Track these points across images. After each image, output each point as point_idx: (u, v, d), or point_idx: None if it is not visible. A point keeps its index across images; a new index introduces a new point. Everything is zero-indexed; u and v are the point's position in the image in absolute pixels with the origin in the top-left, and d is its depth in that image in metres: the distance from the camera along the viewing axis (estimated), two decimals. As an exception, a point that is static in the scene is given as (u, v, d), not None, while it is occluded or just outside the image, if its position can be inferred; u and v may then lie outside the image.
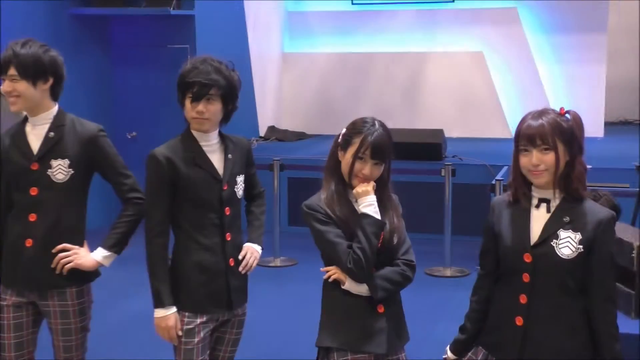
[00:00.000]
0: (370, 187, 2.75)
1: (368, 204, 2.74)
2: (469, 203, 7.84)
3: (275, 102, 11.38)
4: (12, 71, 3.08)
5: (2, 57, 3.10)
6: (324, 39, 11.48)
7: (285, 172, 7.77)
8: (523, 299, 2.60)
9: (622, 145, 9.50)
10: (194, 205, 3.01)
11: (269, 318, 5.75)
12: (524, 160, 2.60)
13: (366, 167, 2.75)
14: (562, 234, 2.57)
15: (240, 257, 3.13)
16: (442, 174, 7.08)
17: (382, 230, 2.74)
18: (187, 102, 2.99)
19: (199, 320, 3.02)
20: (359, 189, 2.75)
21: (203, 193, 3.01)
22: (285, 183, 8.41)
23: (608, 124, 11.41)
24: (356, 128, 2.78)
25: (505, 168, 7.54)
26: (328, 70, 11.43)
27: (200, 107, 2.97)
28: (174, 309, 2.98)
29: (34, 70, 3.08)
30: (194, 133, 3.05)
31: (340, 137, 2.81)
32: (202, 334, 3.03)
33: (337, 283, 2.78)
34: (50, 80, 3.14)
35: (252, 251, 3.18)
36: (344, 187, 2.79)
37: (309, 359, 5.02)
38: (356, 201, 2.78)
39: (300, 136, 10.95)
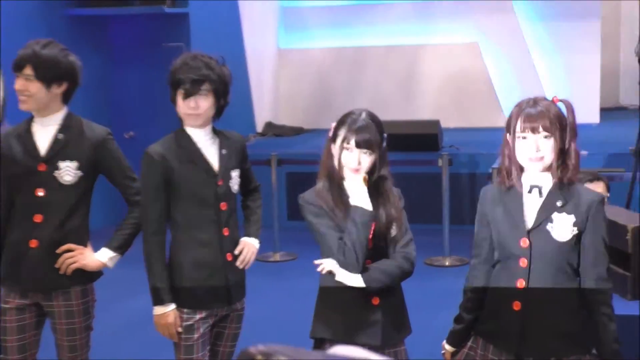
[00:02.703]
0: (360, 178, 2.77)
1: (358, 196, 2.75)
2: (467, 192, 7.88)
3: (272, 98, 11.38)
4: (29, 70, 3.07)
5: (20, 54, 3.09)
6: (319, 34, 11.48)
7: (284, 167, 7.79)
8: (521, 283, 2.62)
9: (617, 130, 9.52)
10: (190, 202, 3.03)
11: (269, 313, 5.77)
12: (522, 147, 2.62)
13: (353, 157, 2.76)
14: (556, 217, 2.59)
15: (237, 252, 3.14)
16: (439, 164, 7.10)
17: (373, 221, 2.75)
18: (179, 99, 3.01)
19: (198, 316, 3.04)
20: (349, 180, 2.78)
21: (198, 189, 3.03)
22: (284, 178, 8.43)
23: (604, 110, 11.44)
24: (342, 120, 2.81)
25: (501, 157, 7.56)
26: (324, 64, 11.44)
27: (193, 102, 2.99)
28: (173, 306, 3.00)
29: (51, 73, 3.08)
30: (188, 130, 3.07)
31: (331, 130, 2.84)
32: (201, 330, 3.05)
33: (330, 274, 2.80)
34: (65, 85, 3.14)
35: (249, 246, 3.20)
36: (337, 180, 2.81)
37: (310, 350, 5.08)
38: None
39: (298, 131, 10.96)
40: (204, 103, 3.01)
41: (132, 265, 5.34)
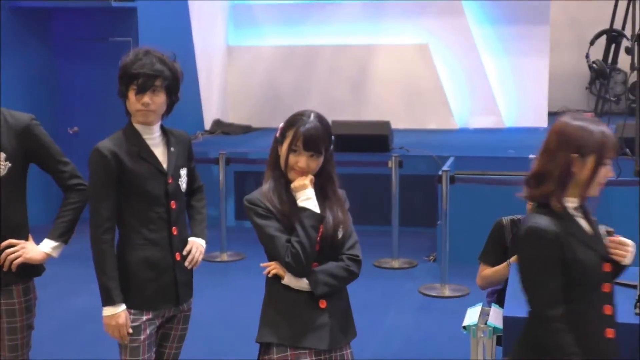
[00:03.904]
0: (307, 180, 2.74)
1: (306, 198, 2.73)
2: (416, 194, 7.93)
3: (220, 96, 11.32)
4: None
5: None
6: (269, 32, 11.45)
7: (232, 166, 7.74)
8: (608, 309, 2.57)
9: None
10: (140, 200, 2.98)
11: (217, 314, 5.73)
12: (604, 174, 2.56)
13: (301, 160, 2.73)
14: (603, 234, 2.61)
15: (185, 252, 3.11)
16: (389, 165, 7.12)
17: (321, 224, 2.74)
18: (132, 95, 2.96)
19: (144, 317, 3.00)
20: (296, 182, 2.75)
21: (149, 187, 2.99)
22: (232, 177, 8.39)
23: (552, 114, 11.63)
24: (290, 121, 2.76)
25: (451, 159, 7.63)
26: (274, 63, 11.41)
27: (146, 98, 2.94)
28: (123, 307, 2.95)
29: None
30: (137, 126, 3.02)
31: (278, 131, 2.80)
32: (148, 331, 3.01)
33: (277, 278, 2.77)
34: None
35: (197, 245, 3.17)
36: (285, 181, 2.78)
37: (256, 351, 5.05)
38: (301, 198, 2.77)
39: (247, 129, 10.92)
40: (157, 99, 2.97)
41: (73, 263, 5.27)
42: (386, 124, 8.46)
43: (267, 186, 2.77)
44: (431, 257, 7.18)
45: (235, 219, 8.35)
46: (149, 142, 3.02)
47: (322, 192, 2.80)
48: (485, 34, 11.00)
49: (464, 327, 3.69)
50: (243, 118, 11.32)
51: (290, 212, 2.73)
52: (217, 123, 10.86)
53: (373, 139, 8.26)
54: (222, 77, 11.39)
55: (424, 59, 10.93)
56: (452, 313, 5.48)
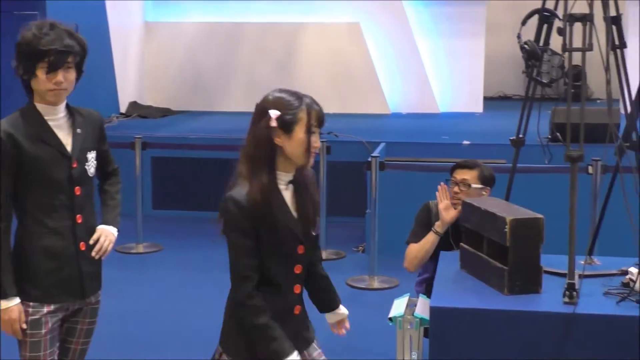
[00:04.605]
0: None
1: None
2: (345, 182, 8.00)
3: (137, 76, 11.20)
4: None
5: None
6: (190, 7, 11.37)
7: (149, 151, 7.69)
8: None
9: (500, 120, 9.89)
10: (40, 186, 2.94)
11: (132, 307, 5.71)
12: None
13: (317, 139, 2.69)
14: None
15: (92, 241, 3.09)
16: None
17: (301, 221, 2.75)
18: (41, 73, 2.90)
19: (45, 310, 2.97)
20: (288, 177, 2.73)
21: (50, 172, 2.94)
22: (149, 163, 8.33)
23: (488, 99, 11.88)
24: (291, 104, 2.69)
25: (382, 145, 7.72)
26: (195, 41, 11.34)
27: (60, 77, 2.90)
28: (17, 300, 2.92)
29: None
30: (39, 106, 2.97)
31: (273, 120, 2.66)
32: (50, 325, 2.98)
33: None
34: None
35: (106, 234, 3.13)
36: (275, 177, 2.69)
37: (174, 347, 5.06)
38: (286, 189, 2.71)
39: (165, 112, 10.84)
40: (70, 77, 2.93)
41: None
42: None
43: (256, 185, 2.65)
44: (360, 248, 7.27)
45: (152, 208, 8.30)
46: (51, 123, 2.98)
47: (301, 181, 2.77)
48: (420, 14, 11.13)
49: (390, 319, 3.77)
50: (161, 100, 11.23)
51: (283, 209, 2.67)
52: (134, 105, 10.75)
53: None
54: (138, 56, 11.26)
55: (355, 39, 11.01)
56: (380, 305, 5.56)
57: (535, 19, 3.99)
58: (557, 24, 3.64)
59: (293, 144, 2.66)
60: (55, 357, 3.04)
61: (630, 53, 9.06)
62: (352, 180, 7.93)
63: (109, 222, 3.20)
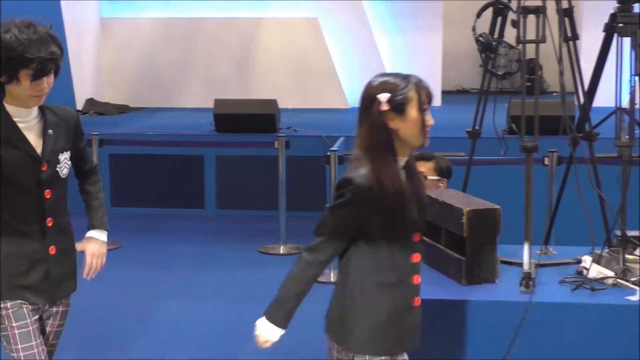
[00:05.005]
0: None
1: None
2: (305, 177, 8.02)
3: (94, 73, 11.11)
4: None
5: None
6: (146, 3, 11.29)
7: (106, 148, 7.65)
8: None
9: (459, 114, 9.96)
10: (9, 190, 2.90)
11: (93, 305, 5.67)
12: None
13: (430, 117, 2.65)
14: None
15: (85, 266, 3.13)
16: (276, 146, 7.19)
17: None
18: (25, 80, 2.80)
19: (25, 307, 2.97)
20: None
21: (17, 175, 2.89)
22: (107, 160, 8.27)
23: (446, 93, 11.98)
24: (399, 85, 2.61)
25: (341, 139, 7.75)
26: (152, 37, 11.28)
27: (44, 84, 2.85)
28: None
29: None
30: (10, 108, 2.91)
31: (384, 104, 2.59)
32: (32, 318, 2.97)
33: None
34: None
35: (94, 254, 3.16)
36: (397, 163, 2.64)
37: (135, 343, 5.05)
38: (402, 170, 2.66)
39: (123, 109, 10.77)
40: (51, 81, 2.86)
41: None
42: (273, 103, 8.51)
43: (387, 171, 2.58)
44: (321, 243, 7.29)
45: (111, 205, 8.24)
46: (21, 125, 2.90)
47: (411, 162, 2.73)
48: (377, 9, 11.18)
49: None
50: (119, 97, 11.15)
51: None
52: (91, 102, 10.67)
53: (259, 119, 8.30)
54: (95, 52, 11.17)
55: (314, 34, 11.03)
56: (341, 299, 5.60)
57: (490, 12, 4.04)
58: (512, 16, 3.69)
59: (408, 125, 2.60)
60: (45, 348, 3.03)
61: (584, 46, 9.24)
62: (312, 174, 7.94)
63: (97, 225, 3.18)
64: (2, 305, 2.93)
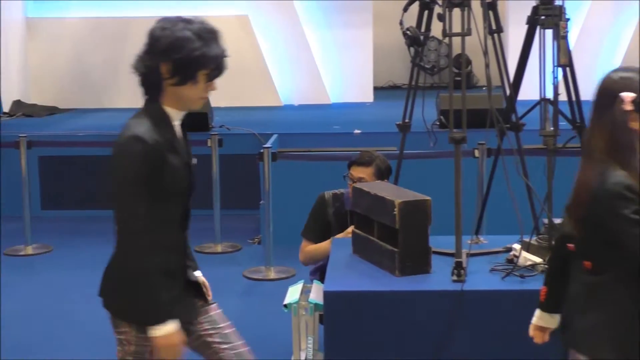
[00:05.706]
0: None
1: None
2: (239, 175, 8.02)
3: (20, 74, 10.92)
4: None
5: None
6: (74, 3, 11.14)
7: (35, 150, 7.52)
8: None
9: (390, 110, 10.07)
10: (170, 199, 2.86)
11: (22, 309, 5.61)
12: None
13: None
14: None
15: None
16: (209, 144, 7.18)
17: None
18: (203, 81, 2.77)
19: None
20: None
21: (181, 184, 2.87)
22: (36, 162, 8.14)
23: (378, 89, 12.09)
24: (634, 83, 2.49)
25: (274, 136, 7.77)
26: (81, 37, 11.12)
27: (215, 84, 2.80)
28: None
29: None
30: (170, 111, 2.84)
31: (628, 104, 2.46)
32: None
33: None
34: None
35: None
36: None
37: (65, 348, 4.99)
38: None
39: (52, 111, 10.61)
40: None
41: None
42: (205, 102, 8.47)
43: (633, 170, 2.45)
44: (255, 240, 7.30)
45: (41, 209, 8.11)
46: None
47: None
48: (308, 6, 11.21)
49: (285, 306, 3.82)
50: (47, 98, 10.96)
51: None
52: (18, 104, 10.50)
53: (191, 117, 8.14)
54: (21, 53, 10.97)
55: (245, 32, 11.01)
56: (277, 295, 5.59)
57: (417, 6, 4.10)
58: (438, 10, 3.75)
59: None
60: None
61: (510, 40, 9.42)
62: (246, 172, 7.95)
63: None
64: None
